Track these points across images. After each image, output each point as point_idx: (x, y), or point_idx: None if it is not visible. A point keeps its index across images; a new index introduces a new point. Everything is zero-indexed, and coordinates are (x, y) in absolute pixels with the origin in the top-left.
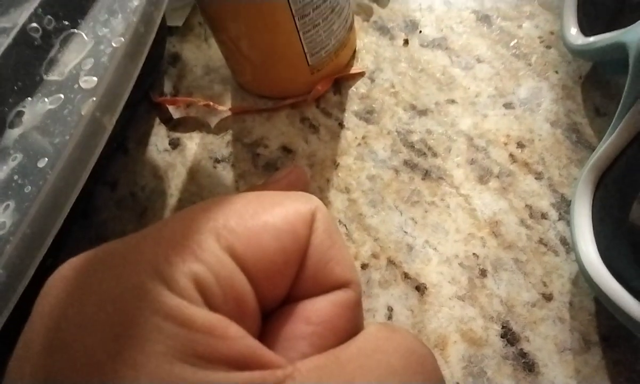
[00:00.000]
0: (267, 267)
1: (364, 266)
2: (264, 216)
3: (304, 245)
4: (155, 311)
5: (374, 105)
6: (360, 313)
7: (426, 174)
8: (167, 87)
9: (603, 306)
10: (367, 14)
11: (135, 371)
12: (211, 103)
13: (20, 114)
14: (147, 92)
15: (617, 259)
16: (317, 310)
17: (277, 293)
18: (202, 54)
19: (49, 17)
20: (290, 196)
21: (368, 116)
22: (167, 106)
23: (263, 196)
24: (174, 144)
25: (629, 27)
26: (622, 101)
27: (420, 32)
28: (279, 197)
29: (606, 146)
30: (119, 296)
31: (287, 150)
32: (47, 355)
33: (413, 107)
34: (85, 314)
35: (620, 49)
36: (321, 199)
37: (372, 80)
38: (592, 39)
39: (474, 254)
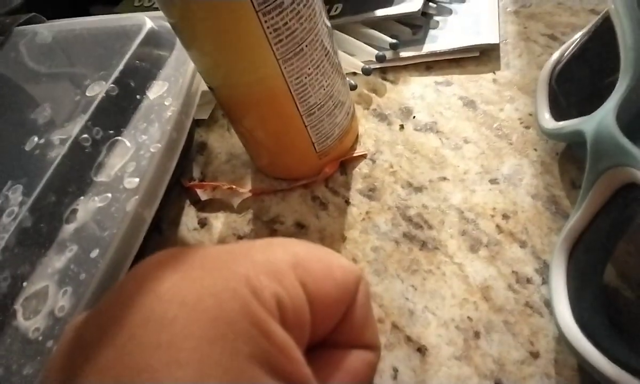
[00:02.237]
0: (324, 308)
1: None
2: (329, 264)
3: (350, 300)
4: (247, 316)
5: (375, 183)
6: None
7: (423, 245)
8: (196, 172)
9: None
10: (367, 103)
11: (225, 360)
12: (234, 186)
13: (74, 211)
14: (178, 178)
15: (592, 322)
16: (359, 364)
17: (321, 332)
18: (226, 142)
19: (97, 128)
20: (342, 257)
21: (371, 193)
22: (196, 189)
23: (323, 248)
24: (202, 224)
25: (586, 117)
26: (584, 181)
27: (414, 117)
28: (335, 255)
29: (575, 219)
30: (217, 292)
31: (300, 226)
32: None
33: (410, 185)
34: (186, 303)
35: (580, 135)
36: None
37: (374, 161)
38: (560, 123)
39: (468, 317)
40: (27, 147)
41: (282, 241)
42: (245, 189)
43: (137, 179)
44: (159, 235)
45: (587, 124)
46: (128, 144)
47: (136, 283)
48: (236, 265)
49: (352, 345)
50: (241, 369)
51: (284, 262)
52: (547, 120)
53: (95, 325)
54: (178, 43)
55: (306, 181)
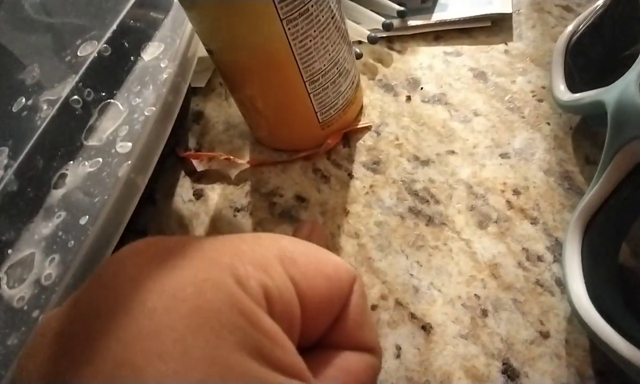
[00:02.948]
0: (315, 304)
1: (373, 307)
2: (319, 260)
3: (344, 299)
4: (232, 305)
5: (380, 156)
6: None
7: (429, 220)
8: (191, 142)
9: None
10: (372, 73)
11: (210, 350)
12: (231, 157)
13: (63, 176)
14: (173, 148)
15: (606, 300)
16: (354, 363)
17: (314, 331)
18: (223, 111)
19: (89, 89)
20: (335, 255)
21: (375, 166)
22: (192, 160)
23: (314, 246)
24: (198, 195)
25: (607, 87)
26: (603, 154)
27: (422, 88)
28: (328, 252)
29: (591, 195)
30: (198, 281)
31: (301, 199)
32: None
33: (416, 158)
34: (165, 291)
35: (600, 106)
36: (333, 244)
37: (378, 134)
38: (577, 95)
39: (475, 295)
40: (14, 109)
41: (271, 235)
42: (244, 160)
43: (130, 144)
44: (152, 206)
45: (608, 94)
46: (121, 107)
47: (114, 272)
48: (220, 254)
49: (350, 346)
50: (229, 359)
51: (271, 254)
52: (563, 92)
53: (72, 316)
54: (175, 3)
55: (307, 153)
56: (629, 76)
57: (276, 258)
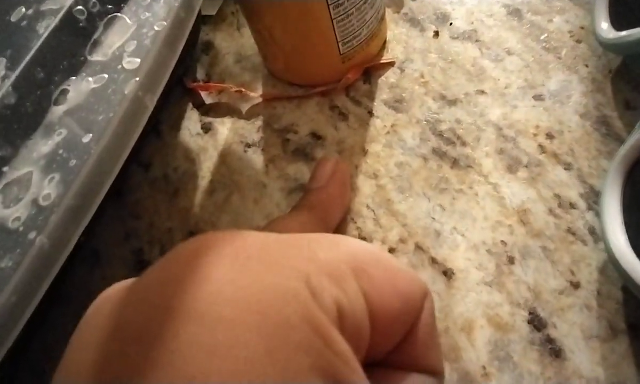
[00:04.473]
0: (386, 323)
1: (391, 250)
2: (394, 275)
3: (414, 317)
4: (308, 321)
5: (403, 94)
6: None
7: (455, 163)
8: (200, 73)
9: (631, 295)
10: (397, 5)
11: (286, 373)
12: (243, 90)
13: (65, 92)
14: (180, 78)
15: None
16: None
17: (381, 350)
18: (234, 42)
19: (94, 0)
20: (405, 266)
21: (397, 104)
22: (200, 91)
23: (384, 253)
24: (206, 129)
25: None
26: None
27: (451, 24)
28: (400, 264)
29: (636, 138)
30: (277, 292)
31: (316, 136)
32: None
33: (442, 97)
34: (242, 300)
35: None
36: (349, 184)
37: (402, 71)
38: (623, 33)
39: (501, 241)
40: (13, 18)
41: (342, 238)
42: (256, 94)
43: (138, 60)
44: (157, 138)
45: None
46: (129, 20)
47: (183, 267)
48: (296, 261)
49: (413, 368)
50: (301, 382)
51: (345, 264)
52: (607, 30)
53: (137, 309)
54: None
55: (325, 88)
56: None
57: (350, 269)
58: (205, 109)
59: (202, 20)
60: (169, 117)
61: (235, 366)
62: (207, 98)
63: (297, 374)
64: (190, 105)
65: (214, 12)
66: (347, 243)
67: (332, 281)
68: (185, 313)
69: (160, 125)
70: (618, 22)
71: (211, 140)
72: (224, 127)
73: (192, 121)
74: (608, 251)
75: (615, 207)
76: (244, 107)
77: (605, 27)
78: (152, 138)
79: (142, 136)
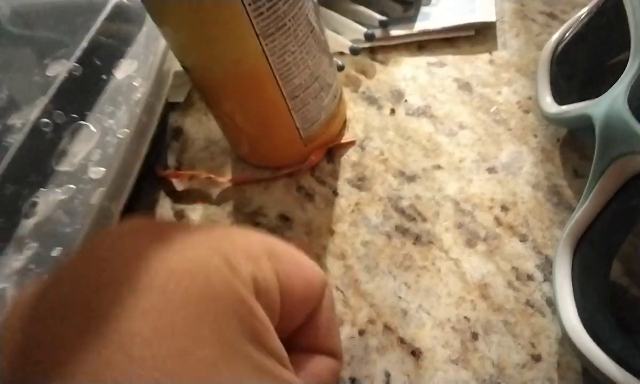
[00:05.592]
0: (293, 302)
1: (361, 332)
2: (300, 262)
3: (316, 302)
4: (230, 291)
5: (365, 172)
6: None
7: (417, 239)
8: (171, 160)
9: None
10: (355, 85)
11: (217, 331)
12: (212, 175)
13: (34, 204)
14: (152, 166)
15: (598, 321)
16: (325, 369)
17: (286, 329)
18: (203, 127)
19: (59, 111)
20: (312, 261)
21: (360, 183)
22: (172, 179)
23: (295, 248)
24: (179, 216)
25: (595, 100)
26: (591, 170)
27: (406, 101)
28: (305, 256)
29: (580, 212)
30: (202, 265)
31: (285, 218)
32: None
33: (402, 174)
34: (172, 270)
35: (587, 120)
36: (319, 266)
37: (363, 149)
38: (564, 108)
39: (465, 317)
40: None
41: (258, 233)
42: (225, 179)
43: (103, 169)
44: None
45: (595, 108)
46: (93, 129)
47: (112, 246)
48: (216, 243)
49: (316, 350)
50: (233, 341)
51: (261, 249)
52: (550, 104)
53: (68, 284)
54: (149, 18)
55: (291, 170)
56: (617, 89)
57: (265, 253)
58: (177, 196)
59: (170, 107)
60: (143, 206)
61: (174, 323)
62: (179, 185)
63: (226, 332)
64: (163, 192)
65: (182, 99)
66: (260, 234)
67: (248, 259)
68: (119, 283)
69: (134, 214)
70: (560, 97)
71: None
72: (196, 214)
73: (165, 208)
74: (560, 325)
75: (565, 280)
76: (215, 192)
77: (548, 101)
78: None
79: None
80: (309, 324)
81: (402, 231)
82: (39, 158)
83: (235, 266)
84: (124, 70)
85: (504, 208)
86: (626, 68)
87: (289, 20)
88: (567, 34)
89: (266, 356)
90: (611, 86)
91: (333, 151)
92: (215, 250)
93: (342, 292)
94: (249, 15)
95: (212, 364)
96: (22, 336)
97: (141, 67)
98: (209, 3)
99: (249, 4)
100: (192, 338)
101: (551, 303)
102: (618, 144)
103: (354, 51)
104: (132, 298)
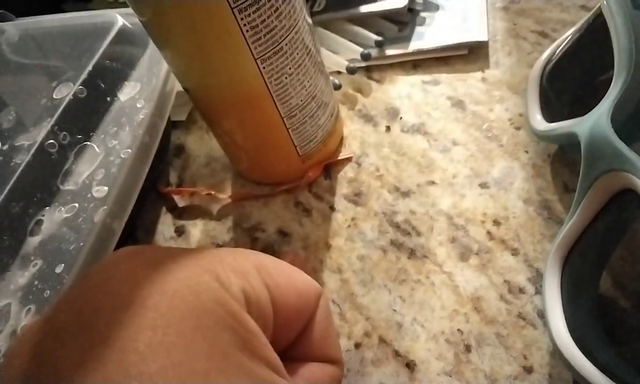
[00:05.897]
0: (286, 313)
1: (357, 346)
2: (291, 275)
3: (311, 313)
4: (221, 306)
5: (361, 188)
6: None
7: (411, 253)
8: (173, 177)
9: None
10: (352, 103)
11: (209, 345)
12: (213, 192)
13: (39, 222)
14: (154, 183)
15: (587, 334)
16: (319, 374)
17: (282, 342)
18: (205, 144)
19: (64, 133)
20: (303, 273)
21: (356, 198)
22: (173, 195)
23: (287, 263)
24: (180, 232)
25: (580, 119)
26: (578, 186)
27: (401, 118)
28: (298, 270)
29: (568, 227)
30: (192, 284)
31: (283, 233)
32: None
33: (397, 189)
34: (165, 292)
35: (574, 137)
36: (316, 279)
37: (359, 165)
38: (552, 125)
39: (458, 330)
40: None
41: (247, 250)
42: (225, 195)
43: (106, 188)
44: (133, 243)
45: (580, 126)
46: (97, 149)
47: (107, 274)
48: (205, 262)
49: (315, 358)
50: (225, 353)
51: (250, 264)
52: (539, 121)
53: (68, 311)
54: (151, 41)
55: (289, 186)
56: (601, 107)
57: (254, 268)
58: (178, 212)
59: (172, 125)
60: (144, 222)
61: (168, 339)
62: (180, 201)
63: (218, 345)
64: (164, 209)
65: (184, 117)
66: (251, 252)
67: (238, 275)
68: (114, 307)
69: (136, 230)
70: (549, 114)
71: (184, 243)
72: (196, 229)
73: (166, 224)
74: (550, 338)
75: (555, 293)
76: (215, 208)
77: (538, 118)
78: (129, 244)
79: (119, 242)
80: (304, 334)
81: (397, 245)
82: (44, 178)
83: (224, 281)
84: (127, 92)
85: (496, 222)
86: (610, 87)
87: (286, 44)
88: (556, 53)
89: (259, 364)
90: (597, 104)
91: (330, 167)
92: (204, 269)
93: (338, 305)
94: (247, 41)
95: (206, 374)
96: (28, 363)
97: (144, 89)
98: (208, 30)
99: (247, 31)
100: (186, 351)
101: (542, 315)
102: (602, 161)
103: (351, 70)
104: (127, 317)
